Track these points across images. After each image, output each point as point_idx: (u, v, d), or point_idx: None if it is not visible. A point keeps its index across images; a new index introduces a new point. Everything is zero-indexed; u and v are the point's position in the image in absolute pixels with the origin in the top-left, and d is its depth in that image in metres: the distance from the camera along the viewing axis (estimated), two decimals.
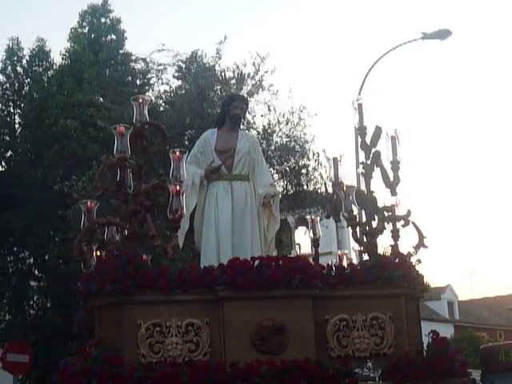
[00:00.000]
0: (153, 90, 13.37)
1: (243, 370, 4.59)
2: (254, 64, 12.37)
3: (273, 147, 12.52)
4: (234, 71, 12.40)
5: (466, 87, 61.93)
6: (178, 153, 5.13)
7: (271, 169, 12.25)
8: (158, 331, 4.73)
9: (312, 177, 12.64)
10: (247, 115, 12.32)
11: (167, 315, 4.77)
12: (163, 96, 13.17)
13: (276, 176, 12.53)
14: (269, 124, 12.59)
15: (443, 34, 14.62)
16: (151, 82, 13.75)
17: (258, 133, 12.53)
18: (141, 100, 5.34)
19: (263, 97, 12.58)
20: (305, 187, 12.78)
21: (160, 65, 12.99)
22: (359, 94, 13.12)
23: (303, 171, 12.68)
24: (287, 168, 12.60)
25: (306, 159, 12.64)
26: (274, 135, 12.60)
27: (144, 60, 13.17)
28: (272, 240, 6.25)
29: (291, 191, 12.81)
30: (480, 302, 37.11)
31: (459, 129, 59.88)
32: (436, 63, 61.26)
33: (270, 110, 12.54)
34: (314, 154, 12.46)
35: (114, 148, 5.15)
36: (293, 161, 12.57)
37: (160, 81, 13.29)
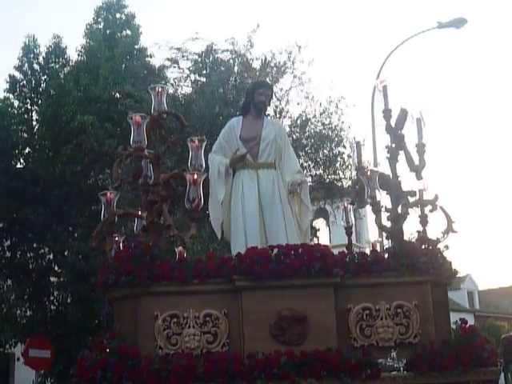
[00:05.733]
0: (185, 81, 13.21)
1: (261, 361, 4.47)
2: (286, 51, 12.32)
3: (307, 134, 12.32)
4: (265, 59, 12.30)
5: (482, 75, 61.16)
6: (196, 141, 5.01)
7: (306, 157, 12.10)
8: (175, 322, 4.64)
9: (348, 164, 12.40)
10: (281, 103, 12.25)
11: (184, 306, 4.66)
12: (194, 85, 13.05)
13: (311, 164, 12.39)
14: (304, 112, 12.44)
15: (459, 23, 14.55)
16: (185, 72, 13.52)
17: (293, 121, 12.40)
18: (159, 89, 5.21)
19: (298, 84, 12.46)
20: (341, 175, 12.58)
21: (194, 54, 12.89)
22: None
23: (339, 159, 12.46)
24: (322, 156, 12.40)
25: (341, 147, 12.44)
26: (309, 123, 12.41)
27: (179, 49, 13.01)
28: (307, 229, 6.04)
29: (327, 180, 12.60)
30: (500, 292, 36.72)
31: (476, 117, 59.05)
32: (452, 52, 60.64)
33: (306, 97, 12.40)
34: (350, 142, 12.30)
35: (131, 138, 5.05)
36: (328, 149, 12.35)
37: (191, 69, 13.13)
